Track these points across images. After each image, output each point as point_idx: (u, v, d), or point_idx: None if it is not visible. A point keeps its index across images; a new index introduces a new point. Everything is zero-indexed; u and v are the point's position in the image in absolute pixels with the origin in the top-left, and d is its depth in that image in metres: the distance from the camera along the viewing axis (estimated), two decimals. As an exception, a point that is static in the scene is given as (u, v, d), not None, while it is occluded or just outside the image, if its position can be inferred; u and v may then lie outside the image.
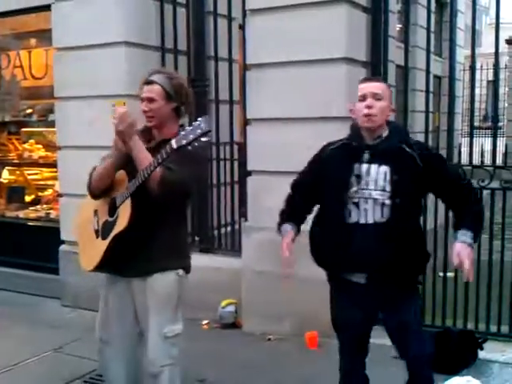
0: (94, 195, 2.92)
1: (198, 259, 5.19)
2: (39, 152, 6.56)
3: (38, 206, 6.55)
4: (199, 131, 2.47)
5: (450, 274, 4.43)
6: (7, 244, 6.16)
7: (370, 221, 2.62)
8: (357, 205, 2.63)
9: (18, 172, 6.83)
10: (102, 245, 2.79)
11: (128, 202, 2.70)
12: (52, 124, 5.84)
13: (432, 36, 10.43)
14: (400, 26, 7.82)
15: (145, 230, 2.76)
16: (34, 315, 5.32)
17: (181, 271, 2.90)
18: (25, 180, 6.78)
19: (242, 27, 5.08)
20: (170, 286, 2.85)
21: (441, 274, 4.50)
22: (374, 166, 2.62)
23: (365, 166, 2.63)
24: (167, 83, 2.84)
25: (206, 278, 5.00)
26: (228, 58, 5.17)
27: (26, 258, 5.99)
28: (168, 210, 2.79)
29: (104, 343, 3.01)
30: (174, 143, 2.50)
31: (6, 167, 6.86)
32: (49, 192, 6.53)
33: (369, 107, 2.61)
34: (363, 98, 2.64)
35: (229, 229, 5.36)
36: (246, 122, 4.86)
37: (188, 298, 4.89)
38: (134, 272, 2.84)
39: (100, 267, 2.85)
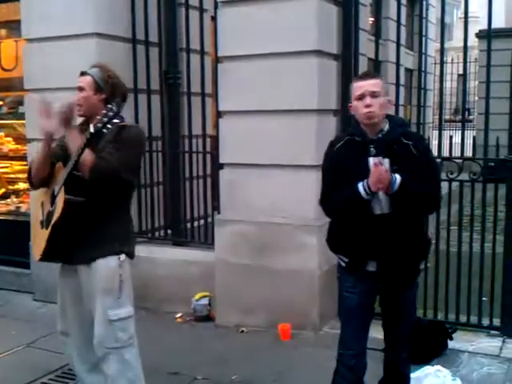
0: (34, 185, 3.05)
1: (170, 252, 5.24)
2: (9, 145, 6.47)
3: (9, 200, 6.47)
4: (111, 113, 2.76)
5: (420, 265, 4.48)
6: (-23, 238, 6.07)
7: (381, 211, 2.73)
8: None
9: (-13, 165, 6.73)
10: (45, 234, 2.89)
11: (62, 192, 2.80)
12: (22, 116, 5.75)
13: (403, 29, 10.55)
14: (372, 19, 7.86)
15: (83, 217, 2.84)
16: (5, 310, 5.27)
17: (122, 256, 2.95)
18: (-6, 173, 6.69)
19: (213, 19, 5.06)
20: (110, 270, 2.91)
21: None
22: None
23: (371, 160, 2.70)
24: (98, 75, 2.97)
25: (179, 271, 5.01)
26: (200, 50, 5.14)
27: (-4, 252, 5.91)
28: (106, 197, 2.86)
29: (64, 335, 3.09)
30: (91, 128, 2.72)
31: (-24, 161, 6.76)
32: (19, 185, 6.45)
33: (368, 106, 2.69)
34: (362, 96, 2.71)
35: (201, 222, 5.35)
36: (218, 115, 4.85)
37: (161, 291, 4.94)
38: (78, 259, 2.94)
39: (46, 256, 2.95)
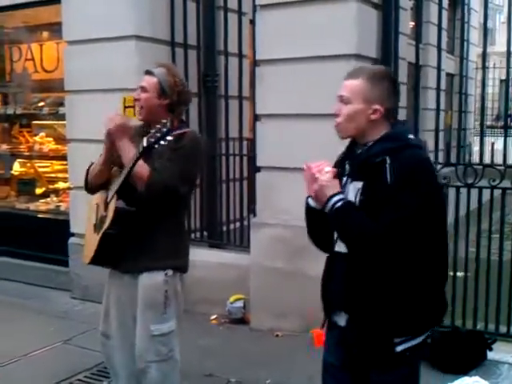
0: (91, 191, 2.98)
1: (206, 254, 5.25)
2: (50, 145, 6.60)
3: (49, 199, 6.58)
4: (164, 130, 2.54)
5: (460, 274, 4.41)
6: (18, 236, 6.19)
7: (344, 249, 2.14)
8: None
9: (28, 164, 6.86)
10: (96, 239, 2.84)
11: (113, 201, 2.75)
12: (63, 117, 5.86)
13: (444, 34, 10.39)
14: (412, 23, 7.76)
15: (134, 228, 2.78)
16: (43, 307, 5.35)
17: (170, 271, 2.86)
18: (35, 172, 6.81)
19: (252, 22, 5.06)
20: (156, 286, 2.84)
21: (450, 273, 4.47)
22: (350, 181, 2.15)
23: (344, 181, 2.15)
24: (165, 78, 2.84)
25: (214, 274, 5.02)
26: (238, 53, 5.15)
27: (36, 249, 6.02)
28: (157, 209, 2.79)
29: (105, 336, 3.05)
30: (144, 141, 2.56)
31: (17, 160, 6.90)
32: (59, 185, 6.56)
33: (335, 115, 2.15)
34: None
35: (237, 224, 5.35)
36: (255, 118, 4.85)
37: (196, 293, 4.96)
38: (125, 268, 2.89)
39: (95, 261, 2.91)
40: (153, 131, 2.57)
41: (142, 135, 2.75)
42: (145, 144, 2.56)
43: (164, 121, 2.59)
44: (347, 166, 2.16)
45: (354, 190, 2.11)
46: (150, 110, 2.84)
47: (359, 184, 2.08)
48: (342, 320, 2.21)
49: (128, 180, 2.70)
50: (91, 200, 3.06)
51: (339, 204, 2.06)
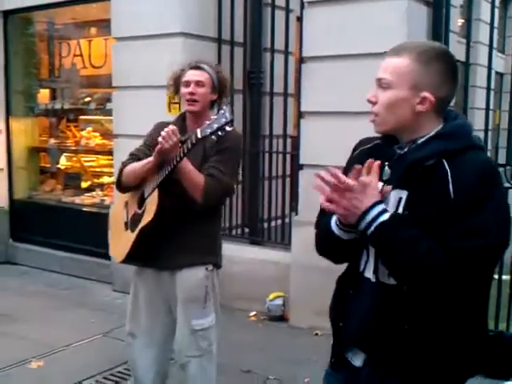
0: (123, 190, 2.94)
1: (247, 251, 5.26)
2: (96, 140, 6.70)
3: (94, 193, 6.69)
4: (223, 120, 2.42)
5: (506, 277, 4.30)
6: (63, 228, 6.32)
7: (372, 277, 1.71)
8: (368, 247, 1.70)
9: (74, 159, 6.98)
10: (131, 237, 2.80)
11: (155, 195, 2.68)
12: (109, 113, 5.95)
13: (495, 31, 10.16)
14: (462, 20, 7.60)
15: (173, 223, 2.74)
16: (86, 299, 5.46)
17: (210, 266, 2.86)
18: (81, 167, 6.93)
19: (299, 19, 5.04)
20: (197, 281, 2.82)
21: (495, 276, 4.37)
22: (389, 188, 1.65)
23: (379, 186, 1.63)
24: (214, 75, 2.88)
25: (254, 270, 5.02)
26: (284, 50, 5.14)
27: (80, 242, 6.13)
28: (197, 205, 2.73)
29: (131, 336, 3.02)
30: (198, 132, 2.45)
31: (64, 154, 7.04)
32: (104, 179, 6.66)
33: (370, 102, 1.70)
34: None
35: (279, 222, 5.34)
36: (299, 115, 4.82)
37: (236, 289, 4.97)
38: (163, 264, 2.84)
39: (129, 259, 2.87)
40: (208, 122, 2.45)
41: (182, 130, 2.74)
42: (199, 135, 2.44)
43: (222, 111, 2.45)
44: (386, 169, 1.67)
45: (394, 201, 1.63)
46: (204, 105, 2.84)
47: (403, 193, 1.61)
48: (357, 359, 1.79)
49: (171, 176, 2.63)
50: (120, 198, 3.02)
51: (385, 217, 1.55)
